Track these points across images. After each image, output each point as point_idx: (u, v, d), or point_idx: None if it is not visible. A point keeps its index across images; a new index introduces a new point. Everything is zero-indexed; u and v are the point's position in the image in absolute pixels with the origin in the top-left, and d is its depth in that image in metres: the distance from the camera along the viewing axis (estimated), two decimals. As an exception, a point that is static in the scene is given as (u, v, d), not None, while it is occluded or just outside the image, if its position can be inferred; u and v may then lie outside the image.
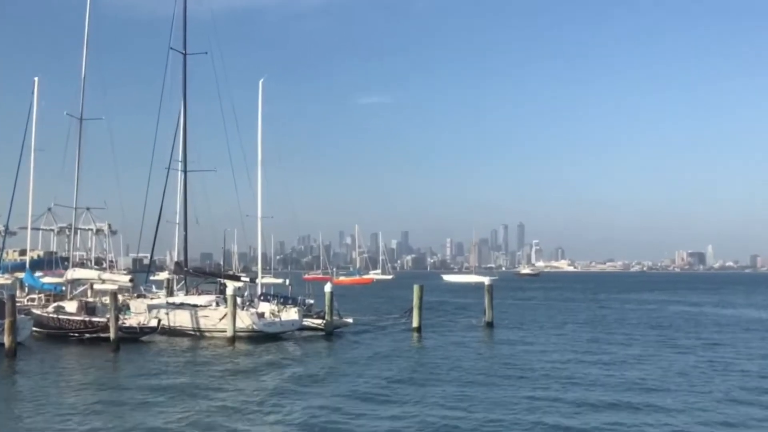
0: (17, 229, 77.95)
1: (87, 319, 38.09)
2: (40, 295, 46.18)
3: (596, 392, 23.30)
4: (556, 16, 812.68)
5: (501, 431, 18.30)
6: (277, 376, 26.56)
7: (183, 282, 45.66)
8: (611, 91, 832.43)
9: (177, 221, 48.08)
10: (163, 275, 62.84)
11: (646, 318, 56.80)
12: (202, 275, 46.83)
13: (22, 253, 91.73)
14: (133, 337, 37.14)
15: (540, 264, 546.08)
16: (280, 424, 18.91)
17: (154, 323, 38.55)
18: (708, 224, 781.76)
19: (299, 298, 44.07)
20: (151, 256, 49.08)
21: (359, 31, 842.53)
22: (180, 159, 45.25)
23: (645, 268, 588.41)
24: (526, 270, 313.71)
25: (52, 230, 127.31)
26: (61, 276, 52.00)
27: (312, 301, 45.19)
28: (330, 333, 40.42)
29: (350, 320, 44.62)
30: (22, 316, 34.94)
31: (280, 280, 75.40)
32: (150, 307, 40.72)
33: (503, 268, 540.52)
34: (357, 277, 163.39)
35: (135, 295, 44.08)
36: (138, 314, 40.25)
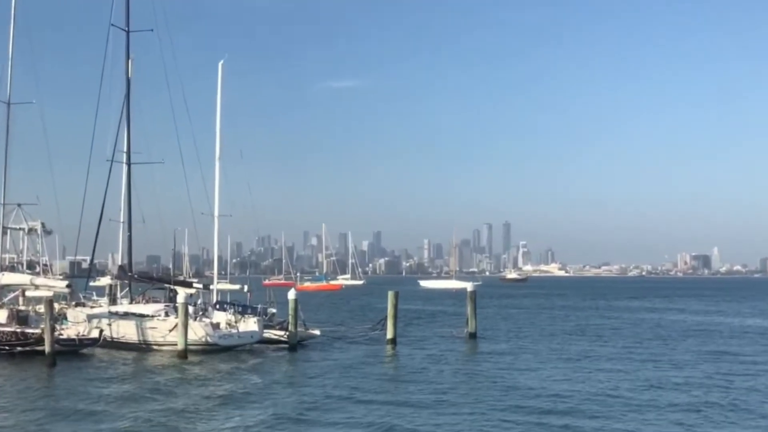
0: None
1: (18, 330, 37.66)
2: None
3: (589, 416, 23.43)
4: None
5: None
6: (234, 396, 26.43)
7: (127, 288, 45.38)
8: (606, 77, 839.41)
9: (121, 220, 47.82)
10: (104, 281, 62.31)
11: (644, 329, 57.23)
12: (149, 281, 46.56)
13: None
14: (72, 350, 36.79)
15: (528, 268, 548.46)
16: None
17: (95, 335, 38.23)
18: (713, 225, 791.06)
19: (259, 306, 43.93)
20: (92, 259, 48.68)
21: (325, 9, 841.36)
22: (124, 150, 44.96)
23: (644, 273, 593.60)
24: (512, 275, 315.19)
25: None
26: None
27: (274, 311, 45.08)
28: (294, 346, 40.34)
29: (317, 332, 44.56)
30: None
31: (237, 287, 74.99)
32: (90, 317, 40.38)
33: (487, 273, 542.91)
34: (324, 283, 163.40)
35: (73, 303, 43.70)
36: (77, 325, 39.90)
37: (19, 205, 48.40)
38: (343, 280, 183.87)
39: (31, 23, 52.11)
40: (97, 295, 49.18)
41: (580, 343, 44.89)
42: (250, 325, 40.42)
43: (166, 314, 40.07)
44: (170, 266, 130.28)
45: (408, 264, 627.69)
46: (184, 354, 36.55)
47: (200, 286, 45.74)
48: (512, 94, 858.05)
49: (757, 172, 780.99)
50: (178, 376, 31.35)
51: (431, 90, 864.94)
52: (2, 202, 46.34)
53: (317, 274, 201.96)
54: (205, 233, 47.79)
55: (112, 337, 39.58)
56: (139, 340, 39.73)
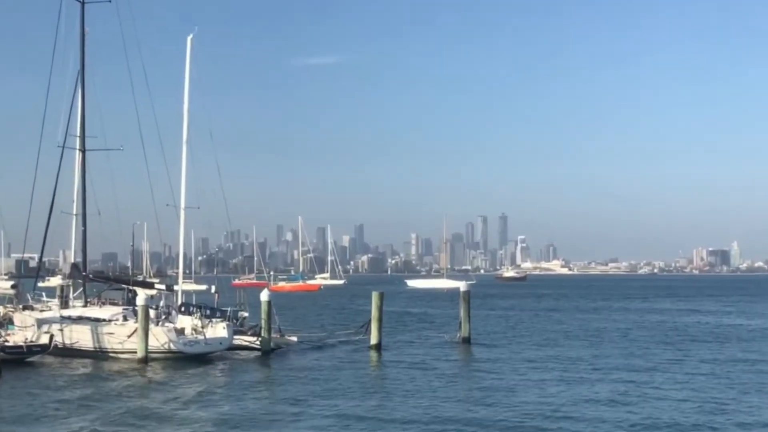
0: None
1: (-42, 336, 37.58)
2: None
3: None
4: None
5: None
6: (198, 410, 26.43)
7: (81, 289, 45.25)
8: (613, 52, 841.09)
9: (73, 212, 47.69)
10: (55, 281, 62.27)
11: (658, 333, 57.42)
12: (105, 281, 46.46)
13: None
14: (18, 358, 36.68)
15: (527, 265, 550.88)
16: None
17: (44, 341, 38.17)
18: (732, 217, 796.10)
19: (229, 309, 43.84)
20: (41, 257, 48.51)
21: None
22: (77, 134, 44.80)
23: (656, 270, 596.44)
24: (509, 273, 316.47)
25: None
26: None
27: (245, 314, 45.05)
28: (268, 353, 40.37)
29: (294, 338, 44.59)
30: None
31: (203, 287, 74.99)
32: (39, 322, 40.33)
33: (482, 271, 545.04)
34: (300, 283, 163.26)
35: (20, 305, 43.59)
36: (24, 330, 39.82)
37: (-45, 196, 48.38)
38: (322, 280, 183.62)
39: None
40: (47, 297, 48.98)
41: (585, 350, 44.83)
42: (218, 330, 40.33)
43: (125, 318, 40.01)
44: (129, 264, 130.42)
45: (394, 261, 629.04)
46: (143, 362, 36.54)
47: (163, 286, 45.70)
48: (508, 72, 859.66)
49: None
50: (136, 386, 31.32)
51: (419, 68, 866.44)
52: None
53: (293, 273, 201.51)
54: (167, 228, 47.76)
55: (63, 344, 39.48)
56: (95, 347, 39.66)
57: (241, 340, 41.64)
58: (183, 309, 42.85)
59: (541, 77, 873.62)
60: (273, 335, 41.59)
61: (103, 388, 30.40)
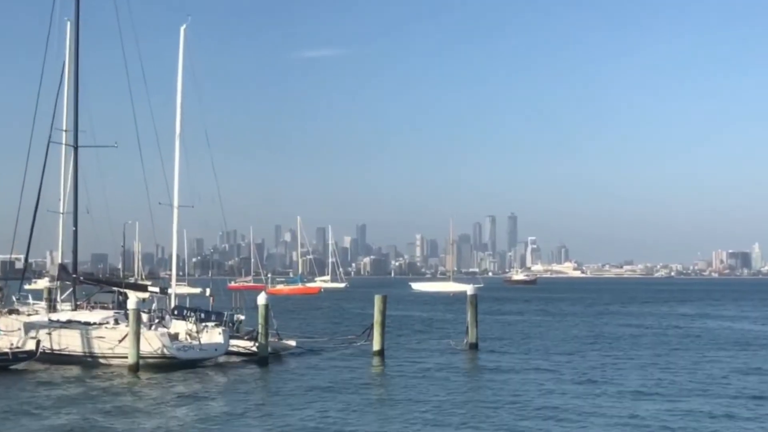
0: None
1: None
2: None
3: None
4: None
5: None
6: (190, 421, 26.49)
7: (70, 291, 45.26)
8: (627, 42, 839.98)
9: (60, 211, 47.75)
10: (42, 283, 62.44)
11: (681, 339, 57.40)
12: (96, 283, 46.47)
13: None
14: (3, 365, 36.76)
15: (537, 268, 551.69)
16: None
17: (31, 347, 38.19)
18: (753, 218, 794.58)
19: (225, 313, 43.93)
20: (26, 258, 48.59)
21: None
22: (63, 128, 44.88)
23: (673, 273, 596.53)
24: (519, 275, 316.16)
25: None
26: None
27: (242, 317, 45.10)
28: (265, 359, 40.41)
29: (292, 343, 44.66)
30: None
31: (197, 290, 75.36)
32: (26, 326, 40.33)
33: (490, 273, 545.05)
34: (299, 286, 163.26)
35: (5, 309, 43.62)
36: (9, 335, 39.83)
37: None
38: (322, 283, 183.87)
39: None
40: (34, 300, 49.11)
41: (599, 358, 44.50)
42: (214, 335, 40.31)
43: (116, 322, 39.95)
44: (119, 266, 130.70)
45: (397, 263, 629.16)
46: (135, 368, 36.57)
47: (156, 289, 45.69)
48: (518, 65, 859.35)
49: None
50: (125, 394, 31.38)
51: (423, 62, 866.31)
52: None
53: (291, 275, 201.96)
54: (160, 228, 47.80)
55: (51, 349, 39.53)
56: (84, 353, 39.66)
57: (237, 345, 41.68)
58: (176, 313, 42.87)
59: (553, 73, 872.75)
60: (270, 339, 41.59)
61: (86, 400, 30.15)
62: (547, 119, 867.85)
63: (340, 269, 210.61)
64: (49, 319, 41.14)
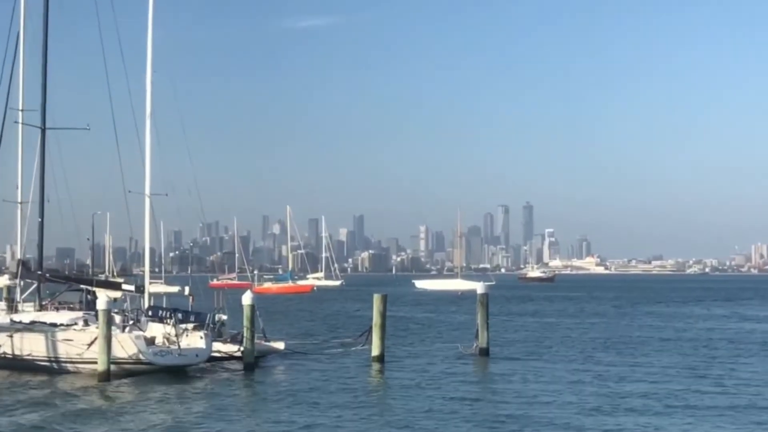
0: None
1: None
2: None
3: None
4: None
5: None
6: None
7: (31, 291, 45.27)
8: (657, 9, 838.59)
9: (18, 200, 47.65)
10: (1, 281, 62.35)
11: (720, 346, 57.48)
12: (63, 281, 46.45)
13: None
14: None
15: (556, 263, 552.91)
16: None
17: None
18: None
19: (209, 315, 43.87)
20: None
21: None
22: (19, 108, 45.09)
23: (707, 269, 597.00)
24: (535, 272, 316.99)
25: None
26: None
27: (224, 317, 45.12)
28: (251, 365, 40.49)
29: (280, 345, 44.73)
30: None
31: (175, 288, 75.08)
32: (-16, 329, 40.43)
33: (502, 270, 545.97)
34: (290, 284, 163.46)
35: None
36: (-35, 339, 39.93)
37: None
38: (315, 280, 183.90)
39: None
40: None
41: (626, 367, 43.91)
42: (195, 338, 40.28)
43: (86, 323, 39.92)
44: (88, 261, 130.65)
45: (399, 259, 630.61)
46: (106, 376, 36.55)
47: (131, 287, 45.68)
48: (532, 36, 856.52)
49: None
50: (92, 407, 31.39)
51: (429, 29, 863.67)
52: None
53: (281, 272, 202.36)
54: (134, 219, 47.69)
55: (13, 355, 39.67)
56: (50, 358, 39.70)
57: (220, 351, 41.72)
58: (151, 314, 42.49)
59: (572, 40, 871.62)
60: (256, 341, 41.59)
61: (49, 415, 29.87)
62: (567, 96, 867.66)
63: (335, 265, 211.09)
64: (11, 321, 41.18)
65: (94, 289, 44.02)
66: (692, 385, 36.69)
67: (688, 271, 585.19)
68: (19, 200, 47.91)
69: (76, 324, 40.16)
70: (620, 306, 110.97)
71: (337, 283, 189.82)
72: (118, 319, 39.81)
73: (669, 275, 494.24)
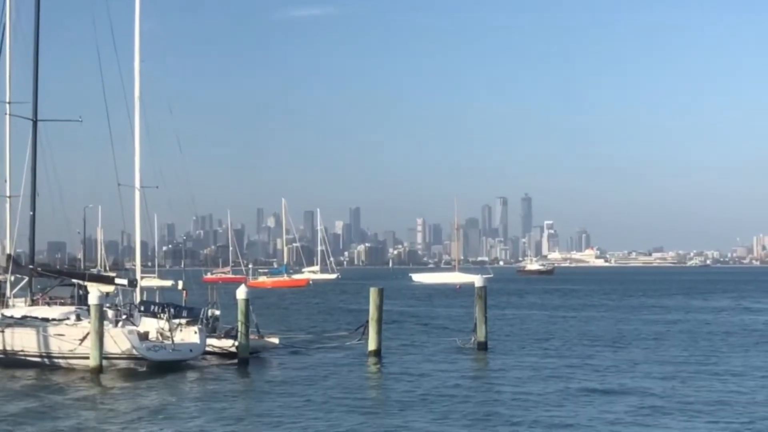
0: None
1: None
2: None
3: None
4: None
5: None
6: None
7: (25, 284, 45.28)
8: (657, 11, 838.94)
9: (7, 194, 47.61)
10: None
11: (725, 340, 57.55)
12: (55, 275, 46.45)
13: None
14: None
15: (555, 255, 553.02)
16: None
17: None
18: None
19: (203, 310, 43.87)
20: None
21: None
22: (6, 100, 45.06)
23: (708, 261, 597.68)
24: (534, 265, 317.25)
25: None
26: None
27: (217, 312, 45.11)
28: (245, 360, 40.52)
29: (275, 340, 44.76)
30: None
31: (168, 282, 75.21)
32: (-27, 325, 40.44)
33: (501, 262, 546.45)
34: (285, 278, 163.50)
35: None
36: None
37: None
38: (311, 274, 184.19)
39: None
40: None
41: (627, 362, 43.65)
42: (188, 333, 40.36)
43: (78, 318, 39.94)
44: (80, 256, 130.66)
45: (396, 251, 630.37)
46: (98, 371, 36.58)
47: (124, 281, 45.64)
48: (529, 20, 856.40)
49: None
50: (83, 403, 31.38)
51: (427, 18, 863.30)
52: None
53: (275, 265, 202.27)
54: (127, 212, 47.68)
55: (4, 350, 39.72)
56: (41, 353, 39.76)
57: (213, 346, 41.75)
58: (143, 309, 42.54)
59: (573, 29, 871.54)
60: (250, 337, 41.59)
61: (39, 412, 29.97)
62: (566, 88, 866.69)
63: (331, 258, 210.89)
64: (2, 316, 41.22)
65: (86, 283, 43.97)
66: (691, 379, 36.79)
67: (689, 263, 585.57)
68: (8, 194, 47.85)
69: (68, 319, 40.19)
70: (622, 299, 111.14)
71: (333, 276, 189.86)
72: (110, 313, 39.84)
73: (669, 267, 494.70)
